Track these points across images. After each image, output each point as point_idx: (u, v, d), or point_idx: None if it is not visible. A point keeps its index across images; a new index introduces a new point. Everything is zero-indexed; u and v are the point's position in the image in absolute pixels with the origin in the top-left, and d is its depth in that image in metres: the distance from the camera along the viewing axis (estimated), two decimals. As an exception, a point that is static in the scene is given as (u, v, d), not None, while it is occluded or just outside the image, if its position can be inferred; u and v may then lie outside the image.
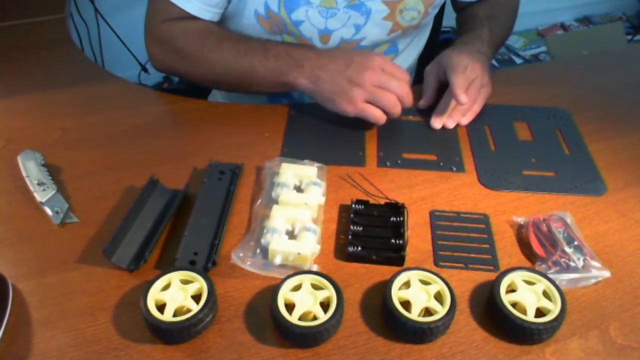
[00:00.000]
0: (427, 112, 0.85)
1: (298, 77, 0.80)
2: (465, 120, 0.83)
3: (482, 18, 0.96)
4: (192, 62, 0.86)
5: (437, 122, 0.83)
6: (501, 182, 0.73)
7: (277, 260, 0.60)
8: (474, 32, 0.94)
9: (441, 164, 0.76)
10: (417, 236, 0.66)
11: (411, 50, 1.02)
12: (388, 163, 0.76)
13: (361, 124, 0.81)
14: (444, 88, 0.84)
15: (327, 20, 0.86)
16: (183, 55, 0.86)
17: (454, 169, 0.75)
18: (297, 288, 0.57)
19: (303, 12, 0.86)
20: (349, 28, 0.88)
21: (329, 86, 0.78)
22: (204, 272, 0.57)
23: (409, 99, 0.77)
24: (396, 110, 0.77)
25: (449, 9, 1.18)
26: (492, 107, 0.87)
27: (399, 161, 0.76)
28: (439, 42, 1.23)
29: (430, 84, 0.86)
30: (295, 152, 0.77)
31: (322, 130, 0.81)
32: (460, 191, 0.72)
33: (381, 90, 0.76)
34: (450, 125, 0.83)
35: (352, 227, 0.65)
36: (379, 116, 0.77)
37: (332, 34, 0.88)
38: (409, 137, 0.81)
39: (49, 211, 0.67)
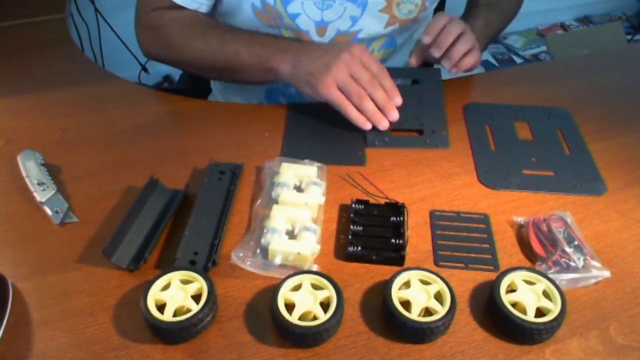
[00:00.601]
0: (413, 73, 0.87)
1: (280, 62, 0.81)
2: (454, 70, 0.85)
3: (480, 7, 0.98)
4: (179, 50, 0.88)
5: (446, 63, 0.84)
6: (501, 182, 0.73)
7: (277, 260, 0.60)
8: (469, 24, 0.95)
9: (427, 140, 0.79)
10: (417, 236, 0.66)
11: (410, 45, 1.01)
12: (377, 142, 0.79)
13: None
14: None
15: (323, 12, 0.87)
16: (170, 42, 0.88)
17: (439, 146, 0.78)
18: (297, 288, 0.57)
19: (299, 5, 0.86)
20: (345, 20, 0.88)
21: (307, 68, 0.79)
22: (204, 272, 0.57)
23: (380, 97, 0.78)
24: (365, 104, 0.78)
25: (449, 9, 1.19)
26: (492, 106, 0.87)
27: (386, 139, 0.79)
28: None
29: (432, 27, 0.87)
30: (295, 152, 0.77)
31: (322, 130, 0.81)
32: (460, 191, 0.72)
33: (352, 81, 0.78)
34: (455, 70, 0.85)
35: (352, 227, 0.65)
36: (354, 113, 0.78)
37: (329, 26, 0.89)
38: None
39: (49, 211, 0.67)
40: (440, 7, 1.17)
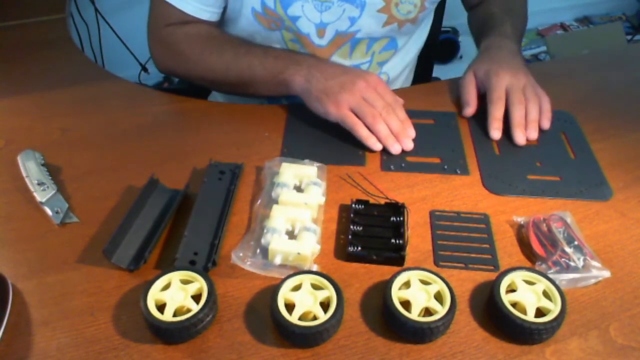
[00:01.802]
0: (429, 115, 0.84)
1: (294, 74, 0.81)
2: (532, 135, 0.79)
3: (500, 14, 0.96)
4: (193, 65, 0.89)
5: (519, 137, 0.79)
6: (506, 187, 0.72)
7: (277, 260, 0.60)
8: (499, 31, 0.93)
9: (445, 167, 0.75)
10: (417, 236, 0.66)
11: (410, 47, 1.01)
12: (392, 167, 0.75)
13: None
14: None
15: (322, 14, 0.87)
16: (185, 58, 0.89)
17: (459, 171, 0.75)
18: (297, 288, 0.57)
19: (299, 8, 0.86)
20: (344, 21, 0.88)
21: (320, 85, 0.78)
22: (204, 272, 0.57)
23: (394, 124, 0.77)
24: (378, 125, 0.76)
25: (449, 9, 1.18)
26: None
27: (402, 164, 0.76)
28: (439, 42, 1.23)
29: (471, 93, 0.85)
30: (295, 152, 0.77)
31: (322, 130, 0.81)
32: (460, 191, 0.72)
33: (366, 103, 0.77)
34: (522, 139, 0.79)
35: (352, 227, 0.65)
36: (365, 133, 0.76)
37: (327, 27, 0.89)
38: (412, 140, 0.79)
39: (49, 211, 0.67)
40: (439, 12, 1.16)
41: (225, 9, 0.91)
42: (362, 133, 0.76)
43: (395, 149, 0.77)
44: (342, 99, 0.76)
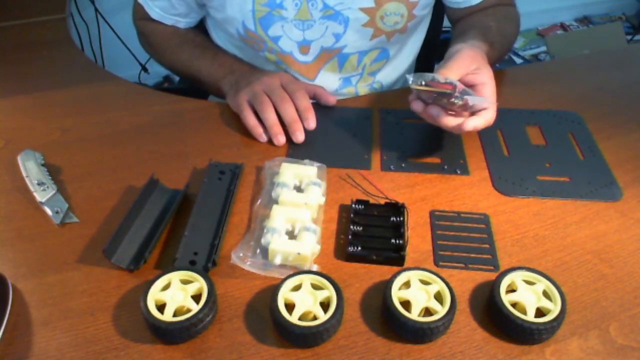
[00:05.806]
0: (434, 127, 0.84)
1: (226, 82, 0.86)
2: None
3: (495, 31, 0.86)
4: (160, 57, 0.99)
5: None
6: (516, 189, 0.72)
7: (277, 260, 0.60)
8: (489, 44, 0.80)
9: (445, 167, 0.75)
10: (417, 236, 0.66)
11: (404, 55, 1.00)
12: (392, 167, 0.75)
13: (366, 127, 0.81)
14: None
15: (305, 32, 0.87)
16: (154, 49, 0.99)
17: (459, 171, 0.75)
18: (297, 288, 0.57)
19: (279, 28, 0.87)
20: (328, 37, 0.88)
21: (235, 86, 0.83)
22: (204, 272, 0.57)
23: (288, 113, 0.77)
24: (265, 114, 0.77)
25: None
26: (503, 110, 0.84)
27: (403, 164, 0.75)
28: (439, 42, 1.22)
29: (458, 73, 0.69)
30: (300, 154, 0.76)
31: (327, 133, 0.80)
32: (460, 191, 0.72)
33: (262, 94, 0.78)
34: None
35: (352, 227, 0.65)
36: (251, 122, 0.78)
37: (312, 44, 0.89)
38: (412, 140, 0.80)
39: (49, 211, 0.67)
40: (440, 13, 1.15)
41: (224, 30, 0.93)
42: (249, 122, 0.78)
43: (279, 141, 0.77)
44: (242, 92, 0.80)
